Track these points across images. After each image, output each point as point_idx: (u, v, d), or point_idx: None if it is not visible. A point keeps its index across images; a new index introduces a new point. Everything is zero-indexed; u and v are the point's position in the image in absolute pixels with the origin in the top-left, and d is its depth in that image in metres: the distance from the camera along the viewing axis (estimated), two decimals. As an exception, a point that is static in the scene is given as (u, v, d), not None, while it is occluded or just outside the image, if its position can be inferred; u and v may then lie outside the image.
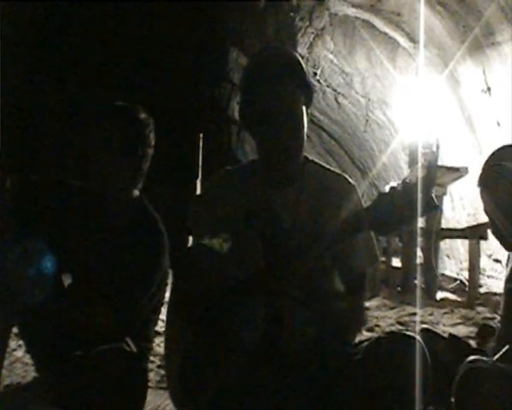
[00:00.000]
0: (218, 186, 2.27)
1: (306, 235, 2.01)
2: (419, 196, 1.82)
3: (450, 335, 2.96)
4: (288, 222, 2.10)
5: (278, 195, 2.15)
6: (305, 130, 2.15)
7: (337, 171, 2.27)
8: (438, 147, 6.75)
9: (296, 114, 2.11)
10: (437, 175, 6.33)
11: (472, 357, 2.26)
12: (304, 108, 2.13)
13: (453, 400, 2.21)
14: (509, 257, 2.58)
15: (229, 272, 1.98)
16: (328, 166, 2.28)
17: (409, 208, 1.83)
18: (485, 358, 2.29)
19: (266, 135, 2.12)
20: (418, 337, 1.95)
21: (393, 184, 1.87)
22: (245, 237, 2.02)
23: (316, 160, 2.27)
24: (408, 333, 1.99)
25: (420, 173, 1.83)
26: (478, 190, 2.52)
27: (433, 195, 1.84)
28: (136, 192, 2.64)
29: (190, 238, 2.28)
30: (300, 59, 2.19)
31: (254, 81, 2.14)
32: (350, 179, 2.22)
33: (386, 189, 1.87)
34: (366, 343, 2.03)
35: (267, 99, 2.09)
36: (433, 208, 1.85)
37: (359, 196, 2.19)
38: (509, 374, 2.17)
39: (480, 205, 2.58)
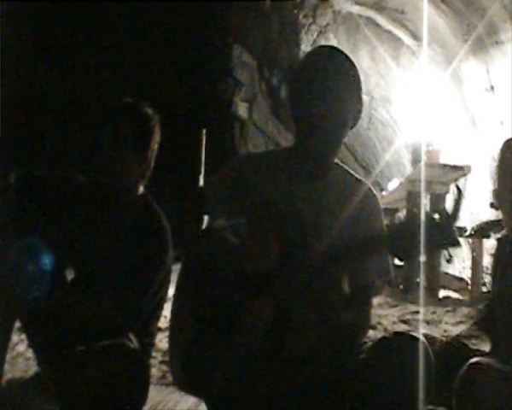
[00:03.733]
0: (240, 170, 2.25)
1: (323, 236, 2.01)
2: (441, 230, 1.82)
3: (447, 341, 2.96)
4: (309, 219, 2.09)
5: (302, 190, 2.14)
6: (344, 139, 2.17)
7: (362, 179, 2.27)
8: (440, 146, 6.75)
9: (340, 121, 2.11)
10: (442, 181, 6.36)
11: (473, 359, 2.26)
12: (349, 118, 2.14)
13: (454, 399, 2.21)
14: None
15: (242, 263, 1.98)
16: (353, 172, 2.27)
17: (430, 241, 1.84)
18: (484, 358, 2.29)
19: (306, 132, 2.13)
20: (423, 338, 1.95)
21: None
22: (261, 228, 2.01)
23: (343, 164, 2.27)
24: (413, 334, 1.99)
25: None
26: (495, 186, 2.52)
27: (455, 230, 1.85)
28: (142, 188, 2.64)
29: (195, 234, 2.27)
30: (359, 74, 2.20)
31: (318, 73, 2.13)
32: (373, 190, 2.22)
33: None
34: (370, 344, 2.03)
35: (324, 97, 2.09)
36: (454, 244, 1.86)
37: (380, 209, 2.20)
38: (507, 373, 2.17)
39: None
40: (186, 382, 2.01)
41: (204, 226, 2.27)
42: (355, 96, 2.15)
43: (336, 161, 2.25)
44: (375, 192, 2.22)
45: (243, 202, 2.12)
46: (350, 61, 2.19)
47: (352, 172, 2.27)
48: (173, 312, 2.15)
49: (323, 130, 2.10)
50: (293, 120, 2.18)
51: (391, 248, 1.93)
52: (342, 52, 2.20)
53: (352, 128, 2.18)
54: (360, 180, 2.25)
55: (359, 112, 2.19)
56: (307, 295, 1.98)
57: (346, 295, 2.06)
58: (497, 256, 2.55)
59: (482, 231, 6.47)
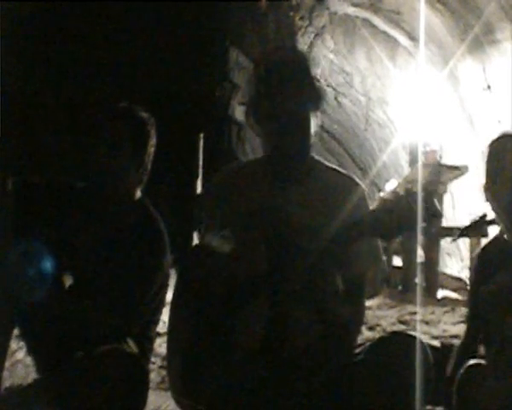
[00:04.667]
0: (224, 183, 2.27)
1: (312, 235, 2.01)
2: (422, 202, 1.83)
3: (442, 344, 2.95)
4: (294, 221, 2.10)
5: (285, 193, 2.15)
6: (312, 132, 2.17)
7: (344, 171, 2.28)
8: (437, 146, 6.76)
9: (302, 116, 2.13)
10: (439, 180, 6.35)
11: (472, 361, 2.26)
12: (310, 111, 2.15)
13: (454, 399, 2.21)
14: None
15: (234, 270, 1.98)
16: (335, 167, 2.29)
17: (411, 215, 1.84)
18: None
19: (273, 135, 2.15)
20: (421, 337, 1.95)
21: (394, 182, 1.88)
22: (249, 236, 2.02)
23: (322, 160, 2.28)
24: (410, 333, 1.99)
25: (420, 172, 1.85)
26: (482, 185, 2.51)
27: (436, 202, 1.85)
28: (139, 193, 2.64)
29: (194, 237, 2.29)
30: (310, 63, 2.22)
31: (264, 82, 2.16)
32: (357, 180, 2.23)
33: (387, 188, 1.89)
34: (368, 343, 2.03)
35: (276, 101, 2.11)
36: (436, 215, 1.86)
37: (366, 197, 2.20)
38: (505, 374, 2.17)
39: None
40: (184, 392, 2.01)
41: (195, 241, 2.30)
42: (312, 86, 2.17)
43: (317, 158, 2.27)
44: (358, 182, 2.22)
45: (231, 214, 2.14)
46: (299, 53, 2.28)
47: (334, 166, 2.29)
48: (170, 323, 2.17)
49: (296, 128, 2.13)
50: (264, 127, 2.19)
51: (372, 230, 1.93)
52: (292, 48, 2.25)
53: (316, 111, 2.19)
54: (343, 173, 2.26)
55: (319, 99, 2.21)
56: (302, 293, 1.99)
57: (339, 290, 2.07)
58: (487, 256, 2.53)
59: (473, 229, 6.49)
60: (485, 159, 2.49)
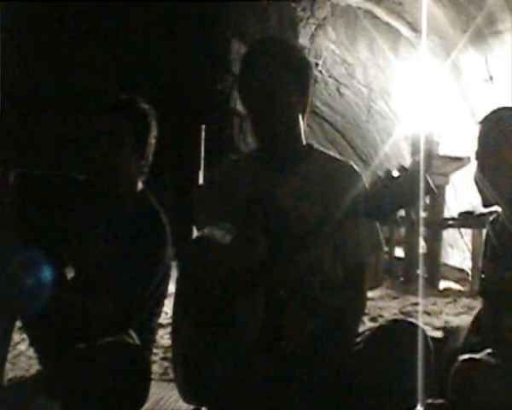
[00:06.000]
0: (221, 176, 2.28)
1: (309, 223, 2.01)
2: (415, 180, 1.82)
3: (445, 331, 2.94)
4: (291, 210, 2.10)
5: (281, 183, 2.15)
6: (299, 117, 2.16)
7: (342, 159, 2.27)
8: (439, 137, 6.76)
9: (281, 102, 2.12)
10: (435, 161, 6.35)
11: (467, 356, 2.23)
12: (295, 96, 2.14)
13: (450, 393, 2.19)
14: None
15: (232, 262, 1.98)
16: (333, 155, 2.28)
17: (404, 193, 1.83)
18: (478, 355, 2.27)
19: (254, 123, 2.15)
20: (421, 325, 1.95)
21: (396, 173, 1.87)
22: (247, 227, 2.02)
23: (321, 148, 2.27)
24: (410, 320, 1.99)
25: (421, 163, 1.84)
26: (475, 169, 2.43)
27: (429, 179, 1.84)
28: (141, 185, 2.64)
29: (194, 229, 2.29)
30: (297, 47, 2.21)
31: (245, 71, 2.17)
32: (355, 167, 2.21)
33: (382, 174, 1.88)
34: (368, 332, 2.03)
35: (252, 87, 2.12)
36: (429, 192, 1.85)
37: (364, 184, 2.18)
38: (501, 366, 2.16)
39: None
40: (189, 395, 2.03)
41: (195, 235, 2.30)
42: (294, 74, 2.16)
43: (316, 146, 2.26)
44: (356, 169, 2.21)
45: (230, 205, 2.14)
46: (285, 43, 2.24)
47: (334, 155, 2.28)
48: (173, 321, 2.18)
49: (277, 121, 2.12)
50: (250, 120, 2.19)
51: (365, 210, 1.92)
52: (277, 38, 2.25)
53: (302, 99, 2.18)
54: (341, 160, 2.25)
55: (307, 87, 2.19)
56: (300, 282, 1.99)
57: (334, 278, 2.07)
58: (486, 239, 2.50)
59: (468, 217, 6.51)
60: (477, 138, 2.38)
